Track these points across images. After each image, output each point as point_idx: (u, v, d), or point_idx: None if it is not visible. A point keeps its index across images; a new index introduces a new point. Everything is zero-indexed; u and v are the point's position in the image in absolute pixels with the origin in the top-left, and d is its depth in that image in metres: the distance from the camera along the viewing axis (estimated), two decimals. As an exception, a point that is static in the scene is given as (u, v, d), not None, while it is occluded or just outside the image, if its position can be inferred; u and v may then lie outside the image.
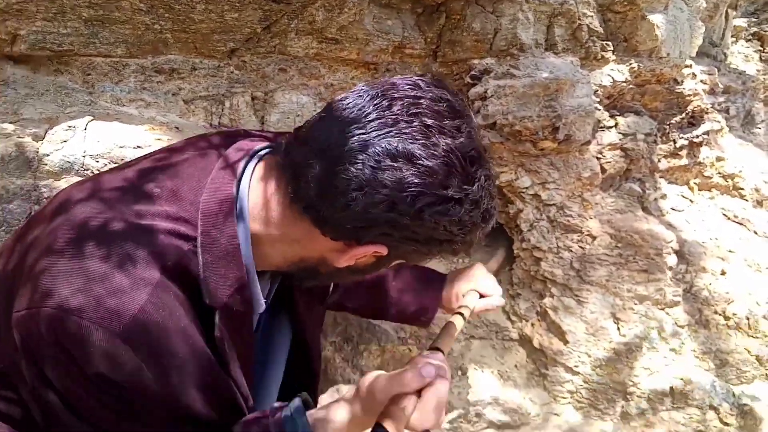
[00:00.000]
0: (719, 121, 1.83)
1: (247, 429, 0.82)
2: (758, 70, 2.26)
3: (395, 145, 0.69)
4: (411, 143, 0.70)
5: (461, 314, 1.11)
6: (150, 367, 0.69)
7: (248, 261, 0.80)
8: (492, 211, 0.80)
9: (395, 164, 0.69)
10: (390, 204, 0.71)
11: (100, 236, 0.71)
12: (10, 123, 1.30)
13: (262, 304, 0.87)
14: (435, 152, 0.70)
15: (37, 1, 1.24)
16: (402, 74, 1.66)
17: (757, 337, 1.63)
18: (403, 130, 0.70)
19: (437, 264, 1.60)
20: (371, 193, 0.70)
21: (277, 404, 0.86)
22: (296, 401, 0.83)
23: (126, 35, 1.34)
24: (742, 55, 2.41)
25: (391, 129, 0.70)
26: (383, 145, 0.69)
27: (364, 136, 0.70)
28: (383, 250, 0.78)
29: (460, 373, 1.69)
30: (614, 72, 1.58)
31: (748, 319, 1.63)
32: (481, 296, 1.21)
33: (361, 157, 0.69)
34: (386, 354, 1.69)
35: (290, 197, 0.76)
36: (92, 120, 1.32)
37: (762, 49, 2.45)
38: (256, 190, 0.81)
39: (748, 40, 2.46)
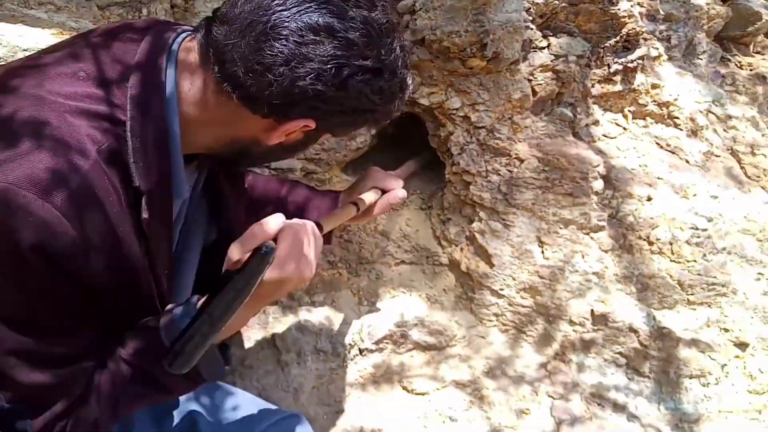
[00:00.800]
0: (657, 48, 1.83)
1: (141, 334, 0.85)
2: (708, 3, 2.25)
3: (316, 19, 0.74)
4: (330, 17, 0.75)
5: (355, 203, 1.12)
6: (80, 243, 0.71)
7: (176, 145, 0.83)
8: (407, 81, 0.87)
9: (317, 38, 0.74)
10: (315, 77, 0.75)
11: (31, 125, 0.72)
12: None
13: (185, 191, 0.91)
14: (353, 25, 0.76)
15: None
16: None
17: (680, 262, 1.68)
18: (322, 5, 0.75)
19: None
20: (297, 68, 0.74)
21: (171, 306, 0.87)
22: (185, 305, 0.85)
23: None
24: (692, -12, 2.40)
25: (310, 4, 0.74)
26: (305, 20, 0.74)
27: (285, 12, 0.74)
28: (312, 124, 0.83)
29: (389, 296, 1.70)
30: (547, -12, 1.55)
31: (671, 244, 1.67)
32: (383, 192, 1.23)
33: (284, 32, 0.74)
34: (315, 277, 1.69)
35: (217, 78, 0.79)
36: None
37: (713, -18, 2.44)
38: (183, 73, 0.83)
39: (700, -27, 2.44)
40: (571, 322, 1.65)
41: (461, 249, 1.71)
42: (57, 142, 0.71)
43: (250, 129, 0.84)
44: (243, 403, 1.18)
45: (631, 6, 1.69)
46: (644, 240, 1.69)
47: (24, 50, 1.26)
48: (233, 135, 0.86)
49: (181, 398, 1.16)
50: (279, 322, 1.59)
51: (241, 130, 0.85)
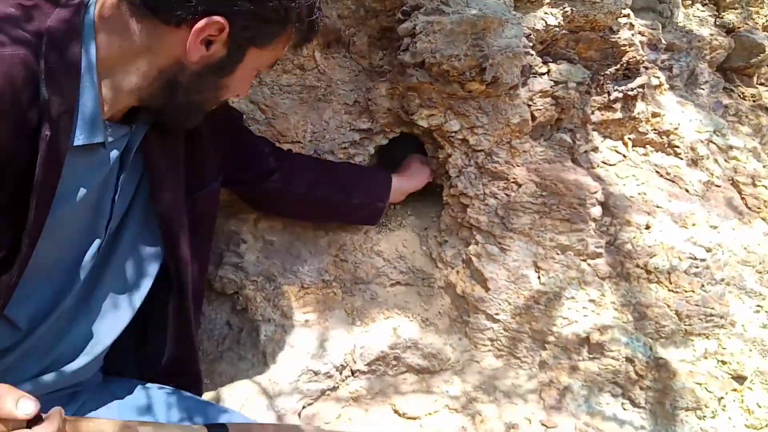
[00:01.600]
0: (658, 77, 1.86)
1: None
2: (711, 34, 2.28)
3: None
4: None
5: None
6: None
7: (92, 76, 0.86)
8: None
9: None
10: None
11: None
12: None
13: (100, 134, 0.90)
14: None
15: None
16: (335, 7, 1.64)
17: (678, 292, 1.68)
18: None
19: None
20: None
21: None
22: None
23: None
24: (697, 19, 2.44)
25: None
26: None
27: None
28: (223, 23, 0.85)
29: (383, 317, 1.71)
30: (548, 15, 1.59)
31: (669, 273, 1.68)
32: None
33: None
34: (309, 296, 1.70)
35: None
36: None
37: (717, 14, 2.48)
38: (103, 5, 0.87)
39: (704, 4, 2.48)
40: (567, 350, 1.65)
41: (457, 272, 1.72)
42: None
43: (169, 49, 0.87)
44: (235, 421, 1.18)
45: (632, 35, 1.71)
46: (642, 268, 1.69)
47: None
48: (157, 64, 0.88)
49: (175, 414, 1.15)
50: (270, 341, 1.59)
51: (163, 56, 0.88)
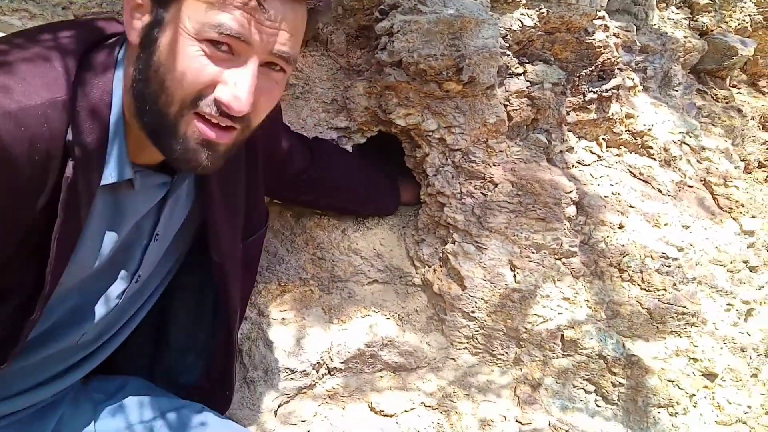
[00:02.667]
0: (632, 78, 1.89)
1: None
2: (685, 37, 2.33)
3: None
4: None
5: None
6: None
7: (118, 117, 0.84)
8: None
9: None
10: None
11: None
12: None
13: (125, 172, 0.87)
14: None
15: None
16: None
17: (650, 290, 1.71)
18: None
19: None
20: None
21: None
22: None
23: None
24: (671, 22, 2.49)
25: None
26: None
27: None
28: None
29: (360, 315, 1.72)
30: (524, 17, 1.61)
31: (641, 272, 1.71)
32: None
33: None
34: (286, 294, 1.71)
35: None
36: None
37: (691, 16, 2.53)
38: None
39: (678, 7, 2.53)
40: (541, 347, 1.68)
41: (434, 270, 1.74)
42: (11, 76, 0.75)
43: (127, 29, 0.83)
44: (210, 421, 1.18)
45: (607, 37, 1.75)
46: (615, 267, 1.72)
47: None
48: (129, 67, 0.84)
49: (147, 414, 1.15)
50: (247, 339, 1.59)
51: (131, 55, 0.84)
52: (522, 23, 1.63)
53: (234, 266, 1.14)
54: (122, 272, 1.01)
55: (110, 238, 0.93)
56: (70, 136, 0.78)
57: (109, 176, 0.85)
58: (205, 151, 0.82)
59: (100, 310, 1.01)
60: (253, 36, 0.76)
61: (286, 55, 0.81)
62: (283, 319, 1.67)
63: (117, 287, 1.02)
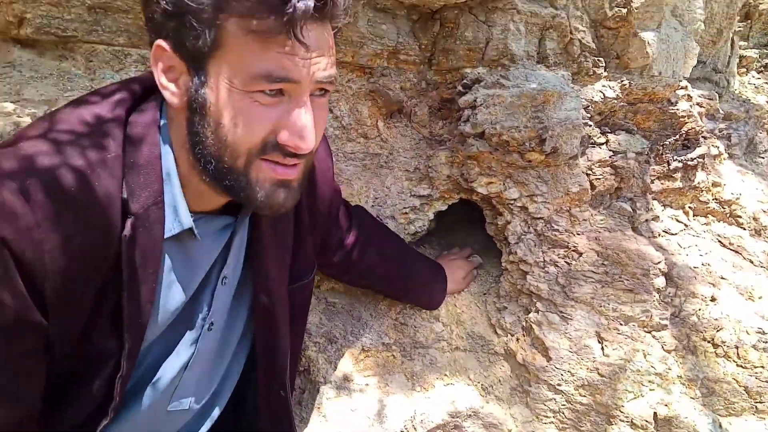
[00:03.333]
0: (717, 146, 1.86)
1: None
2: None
3: None
4: None
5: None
6: (35, 230, 0.72)
7: (169, 168, 0.84)
8: None
9: None
10: None
11: (41, 173, 0.77)
12: (12, 102, 1.38)
13: (185, 221, 0.87)
14: None
15: (42, -14, 1.34)
16: (398, 80, 1.73)
17: (746, 368, 1.62)
18: None
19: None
20: None
21: None
22: None
23: (128, 24, 1.44)
24: (752, 86, 2.46)
25: None
26: None
27: None
28: (164, 44, 0.79)
29: (442, 383, 1.70)
30: (606, 88, 1.63)
31: (737, 348, 1.63)
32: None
33: None
34: (369, 358, 1.72)
35: None
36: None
37: (773, 81, 2.49)
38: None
39: (759, 72, 2.50)
40: (633, 425, 1.60)
41: (517, 339, 1.71)
42: (53, 144, 0.77)
43: (172, 111, 0.84)
44: None
45: (691, 106, 1.74)
46: (709, 342, 1.65)
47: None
48: (178, 126, 0.84)
49: None
50: (331, 403, 1.60)
51: (174, 114, 0.84)
52: (604, 95, 1.65)
53: (282, 310, 1.09)
54: (194, 319, 1.00)
55: (183, 290, 0.93)
56: (125, 194, 0.79)
57: (171, 228, 0.86)
58: (282, 190, 0.84)
59: (178, 359, 1.01)
60: (301, 73, 0.77)
61: (329, 79, 0.81)
62: (366, 384, 1.67)
63: (190, 335, 1.01)
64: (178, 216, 0.87)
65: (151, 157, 0.83)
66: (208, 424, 1.10)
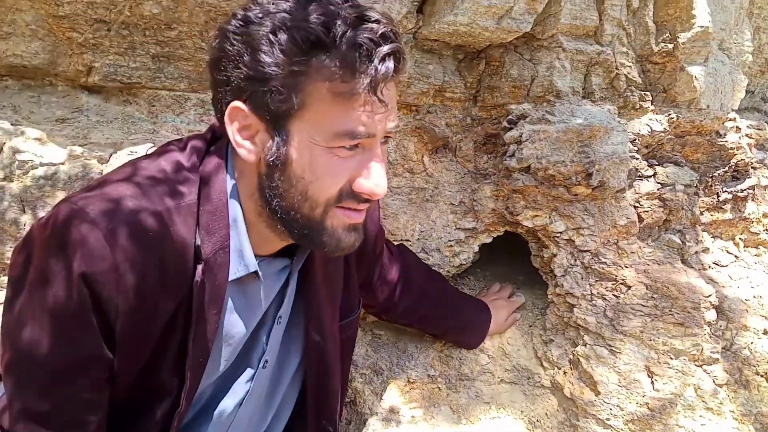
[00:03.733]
0: (767, 177, 1.83)
1: None
2: (819, 130, 2.24)
3: None
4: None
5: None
6: (115, 272, 0.77)
7: (235, 213, 0.88)
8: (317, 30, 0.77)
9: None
10: (214, 58, 0.83)
11: (127, 216, 0.82)
12: (80, 146, 1.47)
13: (250, 265, 0.90)
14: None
15: (110, 37, 1.43)
16: (444, 116, 1.77)
17: (805, 403, 1.58)
18: None
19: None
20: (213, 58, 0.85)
21: None
22: None
23: (189, 71, 1.52)
24: (802, 114, 2.40)
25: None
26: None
27: None
28: (242, 105, 0.82)
29: (488, 416, 1.71)
30: (652, 122, 1.64)
31: (794, 382, 1.59)
32: None
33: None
34: (414, 390, 1.73)
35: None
36: (152, 146, 1.48)
37: (824, 107, 2.43)
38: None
39: (809, 99, 2.45)
40: (685, 461, 1.57)
41: (564, 372, 1.70)
42: (136, 189, 0.82)
43: (246, 167, 0.87)
44: None
45: (739, 138, 1.72)
46: (762, 376, 1.61)
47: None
48: (251, 187, 0.88)
49: None
50: (379, 435, 1.62)
51: (247, 176, 0.88)
52: (651, 128, 1.65)
53: (334, 348, 1.12)
54: (251, 358, 1.04)
55: (244, 329, 0.97)
56: (198, 240, 0.83)
57: (236, 271, 0.89)
58: (353, 233, 0.89)
59: (234, 396, 1.03)
60: (377, 128, 0.81)
61: (396, 128, 0.87)
62: (413, 417, 1.68)
63: (246, 373, 1.04)
64: (243, 259, 0.90)
65: (220, 205, 0.87)
66: None
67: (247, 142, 0.84)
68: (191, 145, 0.92)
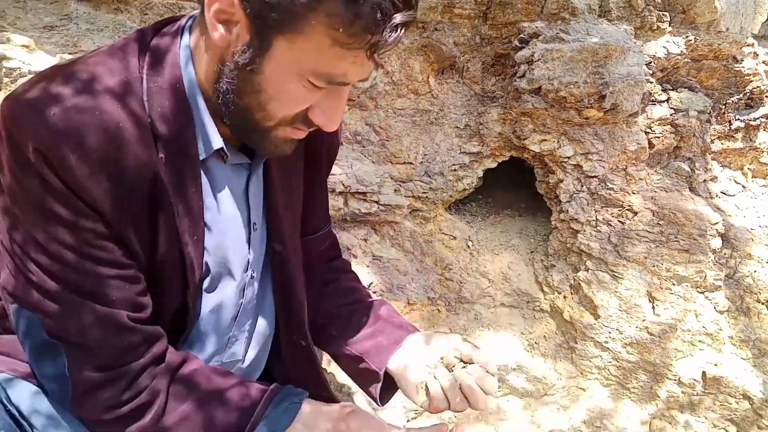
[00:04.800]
0: (781, 106, 1.77)
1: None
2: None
3: None
4: None
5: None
6: (77, 155, 0.73)
7: (193, 92, 0.83)
8: None
9: None
10: None
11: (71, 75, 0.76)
12: (69, 54, 1.38)
13: (213, 143, 0.85)
14: None
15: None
16: (451, 35, 1.68)
17: (802, 331, 1.58)
18: None
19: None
20: None
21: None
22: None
23: (183, -23, 1.41)
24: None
25: None
26: None
27: None
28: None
29: (487, 338, 1.70)
30: (669, 44, 1.56)
31: (793, 310, 1.58)
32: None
33: None
34: (414, 312, 1.72)
35: None
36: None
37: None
38: (194, 30, 0.84)
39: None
40: (680, 383, 1.58)
41: (564, 297, 1.69)
42: (78, 72, 0.76)
43: (212, 44, 0.80)
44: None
45: (756, 64, 1.65)
46: (763, 304, 1.60)
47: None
48: (212, 63, 0.81)
49: None
50: (380, 355, 1.62)
51: (211, 52, 0.81)
52: (668, 51, 1.57)
53: (296, 259, 1.05)
54: (238, 268, 0.98)
55: (228, 215, 0.93)
56: (151, 117, 0.79)
57: (204, 150, 0.84)
58: (290, 144, 0.86)
59: (228, 309, 0.98)
60: (355, 78, 0.77)
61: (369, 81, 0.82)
62: (414, 337, 1.68)
63: (237, 286, 0.99)
64: (210, 137, 0.85)
65: (173, 82, 0.81)
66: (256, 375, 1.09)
67: (221, 26, 0.77)
68: (139, 31, 0.86)
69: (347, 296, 1.12)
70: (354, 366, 1.01)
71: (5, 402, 0.83)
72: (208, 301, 0.98)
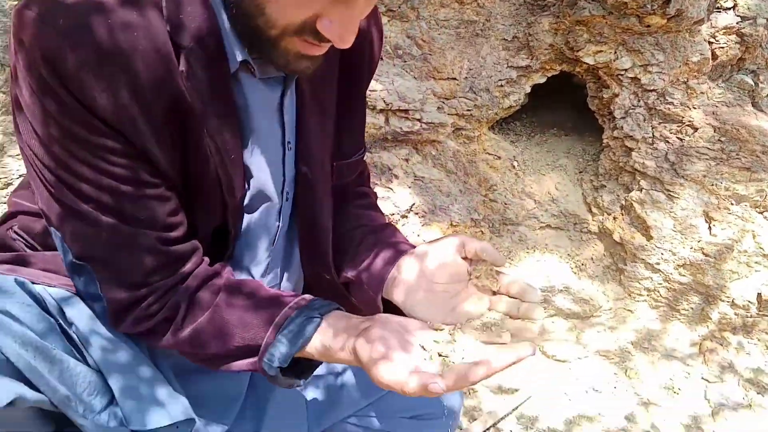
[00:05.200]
0: None
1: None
2: None
3: None
4: None
5: None
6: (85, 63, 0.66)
7: (222, 10, 0.75)
8: None
9: None
10: None
11: None
12: None
13: (236, 57, 0.78)
14: None
15: None
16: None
17: None
18: None
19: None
20: None
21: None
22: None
23: None
24: None
25: None
26: None
27: None
28: None
29: (532, 259, 1.66)
30: (744, -58, 1.42)
31: None
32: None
33: None
34: (457, 234, 1.67)
35: None
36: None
37: None
38: None
39: None
40: (734, 305, 1.54)
41: (614, 218, 1.63)
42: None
43: None
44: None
45: (835, -35, 1.51)
46: (824, 224, 1.54)
47: None
48: None
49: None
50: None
51: None
52: (741, -51, 1.44)
53: (325, 182, 0.99)
54: (271, 189, 0.93)
55: (263, 131, 0.86)
56: (168, 27, 0.71)
57: (232, 62, 0.78)
58: (306, 61, 0.77)
59: (269, 233, 0.95)
60: None
61: None
62: (458, 258, 1.64)
63: (275, 207, 0.94)
64: (236, 49, 0.77)
65: None
66: None
67: None
68: None
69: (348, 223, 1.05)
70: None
71: (63, 324, 0.80)
72: (249, 222, 0.93)
